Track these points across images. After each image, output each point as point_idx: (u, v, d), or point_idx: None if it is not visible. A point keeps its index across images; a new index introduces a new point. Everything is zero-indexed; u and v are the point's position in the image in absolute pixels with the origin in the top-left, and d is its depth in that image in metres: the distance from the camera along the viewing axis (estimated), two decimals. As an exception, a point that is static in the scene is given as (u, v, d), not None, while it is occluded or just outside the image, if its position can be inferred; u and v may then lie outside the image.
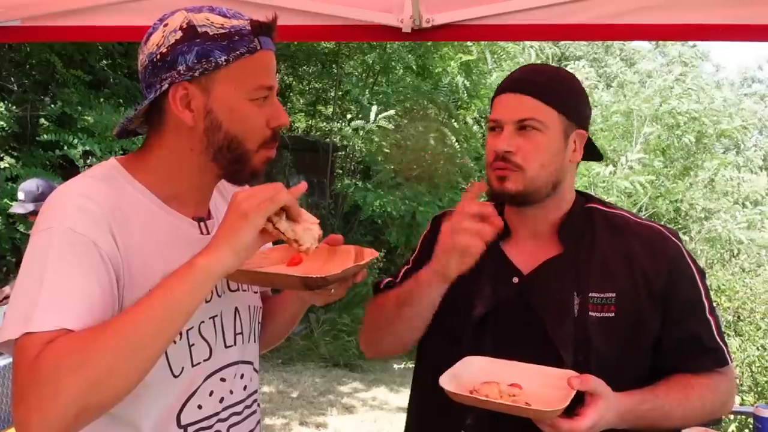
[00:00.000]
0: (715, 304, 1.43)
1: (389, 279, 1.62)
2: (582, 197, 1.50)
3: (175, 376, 1.18)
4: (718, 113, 11.09)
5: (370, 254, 1.25)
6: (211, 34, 1.15)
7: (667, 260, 1.38)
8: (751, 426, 2.49)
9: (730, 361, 1.40)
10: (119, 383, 1.00)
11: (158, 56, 1.17)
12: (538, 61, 10.56)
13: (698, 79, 11.72)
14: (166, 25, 1.18)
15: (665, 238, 1.41)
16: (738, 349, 6.50)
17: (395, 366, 7.75)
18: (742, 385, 6.14)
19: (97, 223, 1.09)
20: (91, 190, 1.15)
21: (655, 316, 1.36)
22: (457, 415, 1.37)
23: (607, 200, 1.58)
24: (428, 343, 1.49)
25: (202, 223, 1.27)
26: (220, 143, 1.19)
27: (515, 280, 1.42)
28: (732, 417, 5.01)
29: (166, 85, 1.16)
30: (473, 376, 1.28)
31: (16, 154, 6.79)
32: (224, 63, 1.15)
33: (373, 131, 9.74)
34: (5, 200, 6.07)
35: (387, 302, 1.49)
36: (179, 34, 1.15)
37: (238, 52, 1.15)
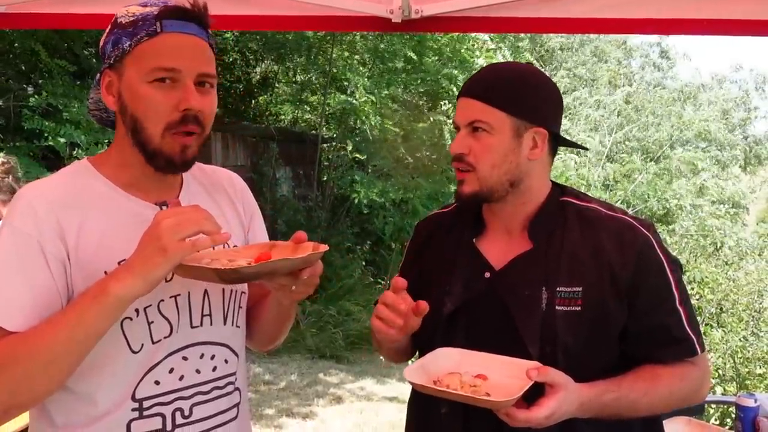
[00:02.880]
0: (698, 296, 1.44)
1: None
2: (558, 189, 1.51)
3: (134, 352, 1.22)
4: (696, 111, 11.21)
5: (320, 248, 1.24)
6: (123, 23, 1.24)
7: (634, 251, 1.38)
8: (733, 415, 2.53)
9: (700, 351, 1.40)
10: (36, 389, 1.13)
11: (100, 51, 1.29)
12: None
13: (673, 77, 11.83)
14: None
15: (634, 229, 1.41)
16: (721, 341, 6.58)
17: (381, 357, 7.74)
18: (724, 375, 6.22)
19: (43, 219, 1.18)
20: (48, 187, 1.25)
21: (620, 307, 1.37)
22: (435, 405, 1.41)
23: (582, 191, 1.59)
24: (413, 339, 1.52)
25: (164, 207, 1.30)
26: (130, 126, 1.25)
27: (487, 275, 1.44)
28: (715, 407, 5.09)
29: (99, 75, 1.28)
30: (441, 367, 1.31)
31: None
32: (128, 48, 1.23)
33: (365, 111, 9.52)
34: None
35: None
36: (109, 27, 1.27)
37: (138, 37, 1.22)
